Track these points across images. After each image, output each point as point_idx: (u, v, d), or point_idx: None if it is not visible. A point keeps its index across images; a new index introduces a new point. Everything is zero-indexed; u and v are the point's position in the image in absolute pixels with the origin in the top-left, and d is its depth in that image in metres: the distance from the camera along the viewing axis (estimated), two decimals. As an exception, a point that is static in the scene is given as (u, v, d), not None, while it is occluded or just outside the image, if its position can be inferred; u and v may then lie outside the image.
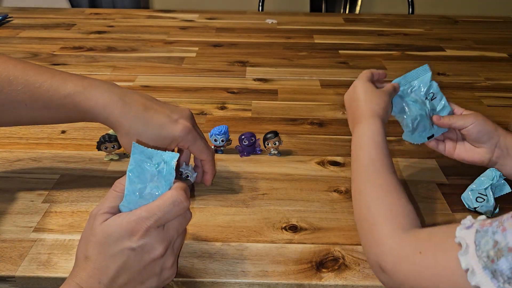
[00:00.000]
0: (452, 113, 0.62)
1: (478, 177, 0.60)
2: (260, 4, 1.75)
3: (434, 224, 0.54)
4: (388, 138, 0.55)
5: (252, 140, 0.69)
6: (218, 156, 0.69)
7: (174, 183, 0.43)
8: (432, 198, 0.62)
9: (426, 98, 0.62)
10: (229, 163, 0.68)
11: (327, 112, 0.85)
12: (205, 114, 0.83)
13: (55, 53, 1.10)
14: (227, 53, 1.13)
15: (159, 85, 0.94)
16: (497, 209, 0.58)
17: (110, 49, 1.13)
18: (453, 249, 0.36)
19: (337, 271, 0.50)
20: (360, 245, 0.52)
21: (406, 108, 0.61)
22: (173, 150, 0.53)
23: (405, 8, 1.74)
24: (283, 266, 0.50)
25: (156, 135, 0.53)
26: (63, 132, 0.75)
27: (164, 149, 0.44)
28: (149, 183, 0.42)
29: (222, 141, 0.69)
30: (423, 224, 0.53)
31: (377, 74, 0.63)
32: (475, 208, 0.58)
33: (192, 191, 0.61)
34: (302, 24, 1.39)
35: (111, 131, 0.68)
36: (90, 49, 1.13)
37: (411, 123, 0.60)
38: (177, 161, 0.44)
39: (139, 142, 0.51)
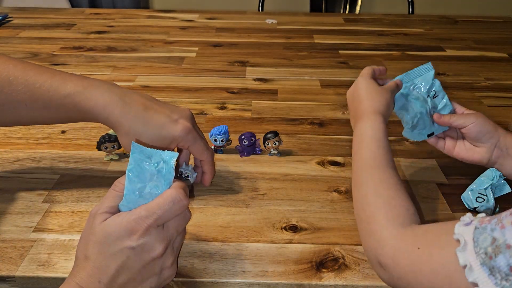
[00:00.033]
0: (453, 111, 0.62)
1: (478, 177, 0.60)
2: (260, 4, 1.75)
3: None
4: (388, 138, 0.55)
5: (252, 140, 0.69)
6: (218, 156, 0.69)
7: (173, 182, 0.43)
8: (432, 198, 0.62)
9: (428, 96, 0.62)
10: (229, 163, 0.68)
11: (327, 112, 0.85)
12: (205, 114, 0.83)
13: (55, 53, 1.10)
14: (227, 53, 1.13)
15: (159, 85, 0.94)
16: (497, 209, 0.58)
17: (110, 49, 1.13)
18: (452, 245, 0.36)
19: (337, 271, 0.50)
20: (361, 245, 0.52)
21: (407, 105, 0.61)
22: (173, 150, 0.53)
23: (405, 8, 1.74)
24: (283, 266, 0.50)
25: (156, 135, 0.53)
26: (63, 132, 0.75)
27: (164, 149, 0.44)
28: (148, 182, 0.42)
29: (222, 141, 0.69)
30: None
31: (378, 70, 0.64)
32: (475, 208, 0.58)
33: (191, 191, 0.61)
34: (302, 24, 1.39)
35: (111, 131, 0.68)
36: (90, 49, 1.13)
37: (411, 120, 0.60)
38: (177, 161, 0.44)
39: (138, 141, 0.51)
